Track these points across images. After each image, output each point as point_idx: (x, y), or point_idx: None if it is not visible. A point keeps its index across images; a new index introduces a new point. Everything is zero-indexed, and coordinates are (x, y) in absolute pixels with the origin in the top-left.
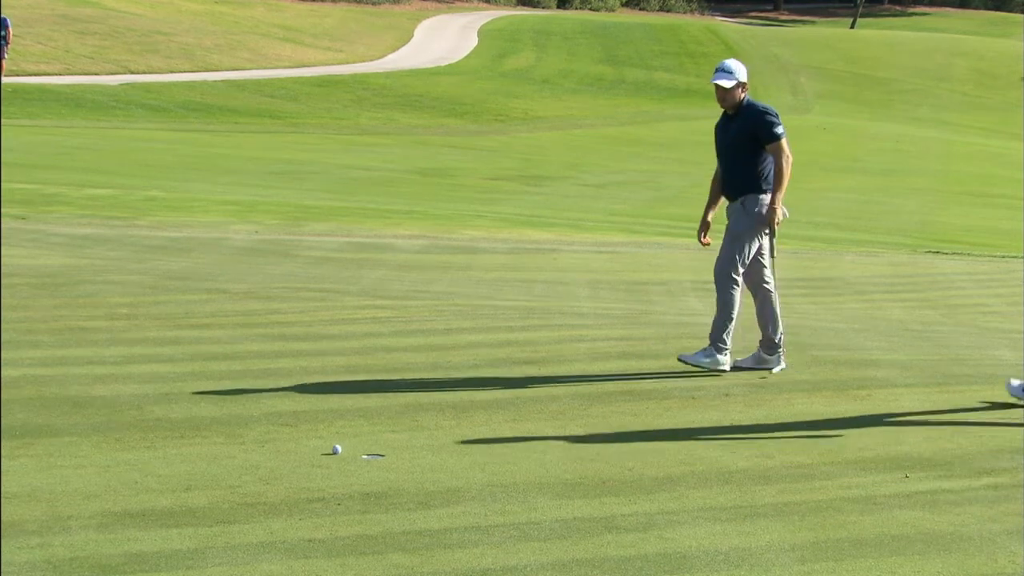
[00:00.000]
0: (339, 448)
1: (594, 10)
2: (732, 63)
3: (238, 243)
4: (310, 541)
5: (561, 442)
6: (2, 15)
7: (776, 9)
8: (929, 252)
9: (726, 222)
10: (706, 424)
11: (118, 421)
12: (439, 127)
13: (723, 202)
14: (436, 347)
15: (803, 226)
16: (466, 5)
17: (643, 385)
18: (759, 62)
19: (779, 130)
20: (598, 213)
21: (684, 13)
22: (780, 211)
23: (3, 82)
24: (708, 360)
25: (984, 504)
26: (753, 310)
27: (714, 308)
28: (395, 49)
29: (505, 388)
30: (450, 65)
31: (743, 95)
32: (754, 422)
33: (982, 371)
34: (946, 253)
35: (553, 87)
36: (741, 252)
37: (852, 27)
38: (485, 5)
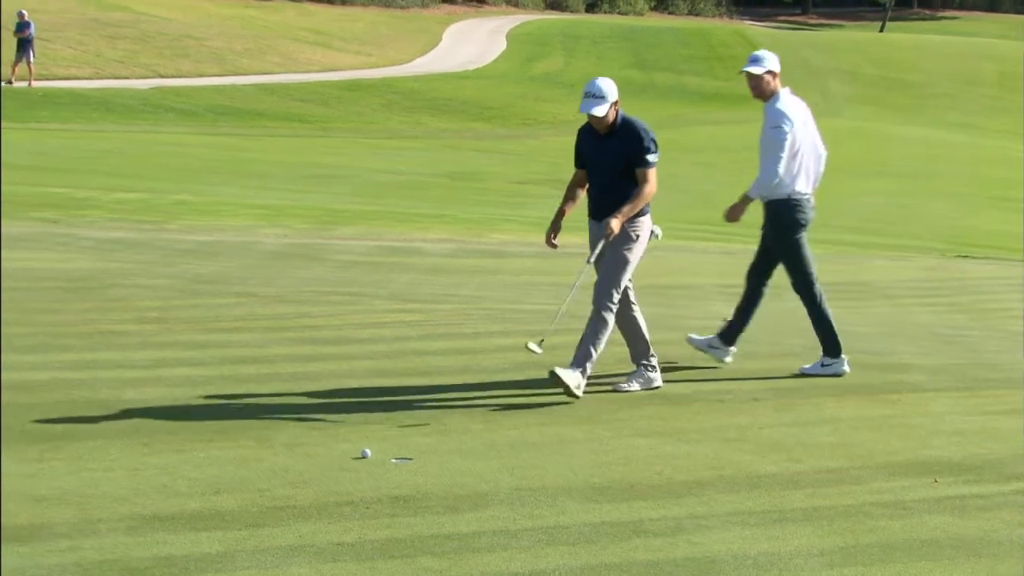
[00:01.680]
0: (368, 452)
1: (623, 14)
2: (603, 83)
3: (267, 247)
4: (339, 545)
5: (589, 446)
6: (27, 19)
7: (805, 13)
8: (959, 256)
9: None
10: (735, 428)
11: (147, 425)
12: (468, 131)
13: (580, 205)
14: (465, 351)
15: (832, 230)
16: (495, 9)
17: (671, 389)
18: (789, 66)
19: (652, 157)
20: None
21: (713, 17)
22: (619, 226)
23: (34, 86)
24: (641, 381)
25: (1014, 509)
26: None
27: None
28: (424, 53)
29: (533, 392)
30: (479, 69)
31: (617, 114)
32: (783, 426)
33: (1012, 376)
34: (976, 257)
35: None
36: (623, 275)
37: (881, 31)
38: (514, 9)
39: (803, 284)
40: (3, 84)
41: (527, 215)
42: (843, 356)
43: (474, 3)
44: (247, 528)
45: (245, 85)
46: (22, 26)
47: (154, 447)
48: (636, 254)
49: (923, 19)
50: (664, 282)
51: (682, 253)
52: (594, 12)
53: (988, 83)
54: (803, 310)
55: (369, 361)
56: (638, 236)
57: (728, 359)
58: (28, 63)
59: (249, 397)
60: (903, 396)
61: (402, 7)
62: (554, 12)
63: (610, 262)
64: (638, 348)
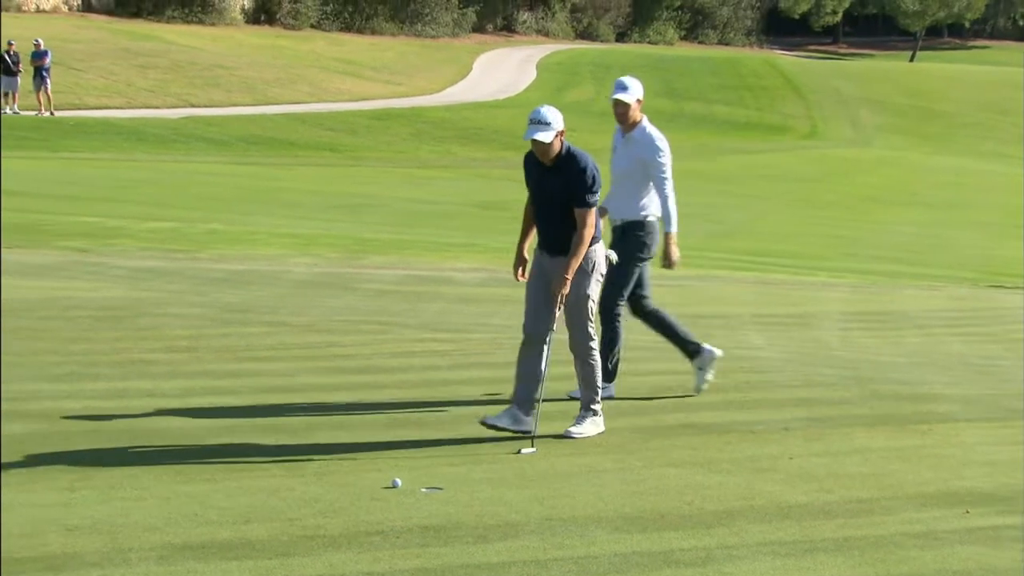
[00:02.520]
0: (398, 481)
1: (653, 43)
2: (548, 111)
3: (298, 276)
4: (369, 574)
5: (620, 475)
6: (43, 48)
7: (835, 42)
8: (990, 286)
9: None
10: (766, 458)
11: (179, 453)
12: (498, 160)
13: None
14: (495, 380)
15: (863, 259)
16: (525, 39)
17: (702, 418)
18: (819, 95)
19: (592, 198)
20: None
21: (743, 46)
22: (569, 286)
23: (65, 115)
24: (593, 428)
25: None
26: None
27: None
28: (454, 82)
29: (564, 422)
30: (509, 98)
31: (562, 145)
32: (814, 456)
33: None
34: (1007, 287)
35: (612, 121)
36: (591, 309)
37: (912, 60)
38: (544, 39)
39: (614, 303)
40: (9, 113)
41: None
42: (612, 384)
43: (504, 33)
44: (277, 557)
45: (276, 114)
46: (38, 55)
47: (185, 476)
48: (595, 287)
49: (954, 48)
50: (698, 311)
51: (715, 283)
52: (624, 41)
53: (1019, 112)
54: (831, 338)
55: (399, 390)
56: (593, 267)
57: (708, 375)
58: (45, 92)
59: (279, 426)
60: (934, 426)
61: (432, 36)
62: (584, 42)
63: (574, 307)
64: (530, 390)
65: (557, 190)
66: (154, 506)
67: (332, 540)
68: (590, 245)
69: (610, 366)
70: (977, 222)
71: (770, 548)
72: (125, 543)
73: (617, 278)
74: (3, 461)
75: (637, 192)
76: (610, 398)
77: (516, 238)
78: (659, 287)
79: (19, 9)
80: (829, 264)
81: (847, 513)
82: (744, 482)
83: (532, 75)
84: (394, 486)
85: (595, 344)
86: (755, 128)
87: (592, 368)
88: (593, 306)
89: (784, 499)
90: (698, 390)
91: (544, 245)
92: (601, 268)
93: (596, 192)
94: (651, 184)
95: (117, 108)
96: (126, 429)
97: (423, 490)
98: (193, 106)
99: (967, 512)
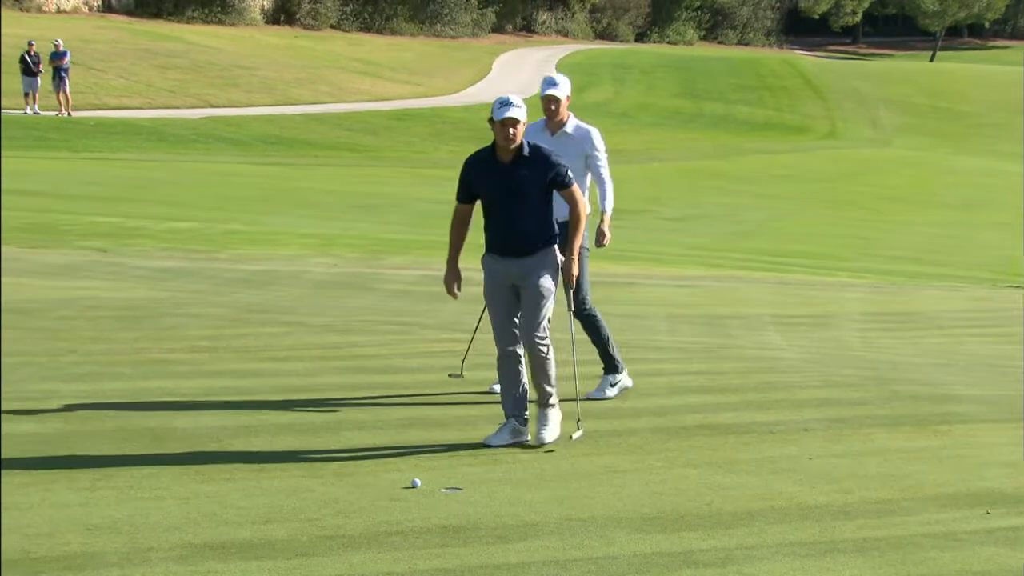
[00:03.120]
0: (418, 481)
1: (672, 44)
2: (519, 99)
3: (317, 276)
4: (388, 574)
5: (639, 476)
6: (63, 48)
7: (855, 42)
8: (1010, 286)
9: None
10: (785, 459)
11: (198, 453)
12: None
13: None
14: None
15: (883, 260)
16: (544, 39)
17: (722, 419)
18: (839, 95)
19: (572, 176)
20: (677, 247)
21: (762, 47)
22: (576, 267)
23: (85, 116)
24: (557, 425)
25: None
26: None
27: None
28: (473, 83)
29: (583, 421)
30: (527, 99)
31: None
32: (833, 457)
33: None
34: None
35: (632, 120)
36: (551, 307)
37: (931, 60)
38: (563, 39)
39: (541, 339)
40: (29, 113)
41: None
42: (625, 372)
43: (524, 33)
44: (297, 557)
45: (295, 115)
46: (57, 55)
47: (204, 476)
48: (554, 286)
49: (974, 48)
50: (718, 312)
51: (737, 283)
52: (644, 42)
53: None
54: (851, 338)
55: (418, 390)
56: (557, 267)
57: (628, 382)
58: (64, 93)
59: (299, 426)
60: (954, 427)
61: (452, 37)
62: (604, 42)
63: (532, 300)
64: (522, 401)
65: (527, 182)
66: (174, 506)
67: (351, 540)
68: (550, 244)
69: (617, 356)
70: (997, 222)
71: (789, 549)
72: (145, 543)
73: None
74: (24, 460)
75: (580, 187)
76: (625, 388)
77: None
78: (679, 288)
79: (39, 9)
80: (848, 264)
81: (867, 514)
82: (763, 483)
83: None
84: (413, 486)
85: (549, 340)
86: (775, 128)
87: (545, 363)
88: (552, 304)
89: (804, 500)
90: (589, 396)
91: (502, 248)
92: (558, 266)
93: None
94: (586, 177)
95: (137, 108)
96: (146, 429)
97: (442, 490)
98: (213, 106)
99: (987, 513)
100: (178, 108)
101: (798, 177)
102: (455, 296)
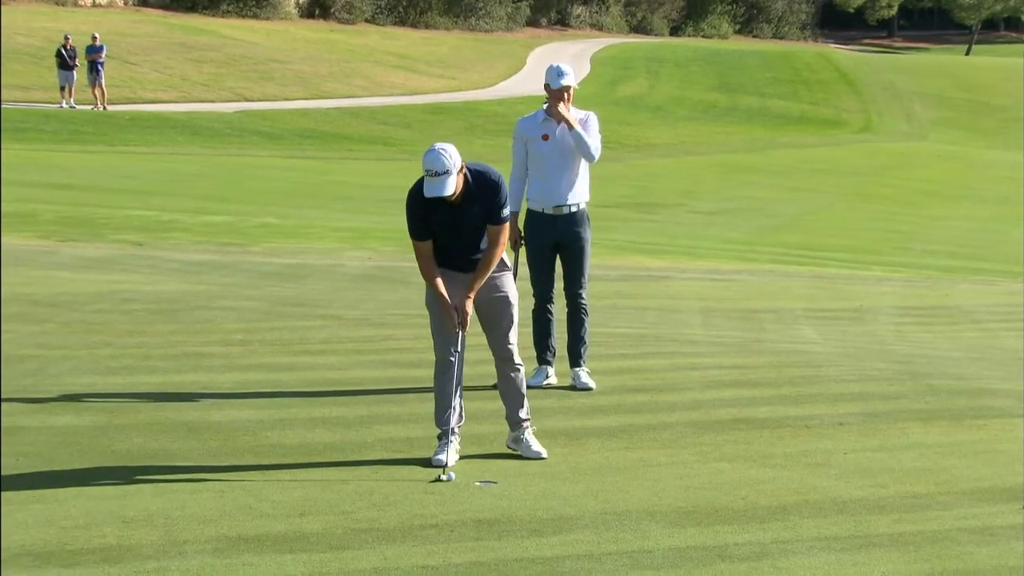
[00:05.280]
0: (453, 475)
1: (707, 37)
2: (443, 155)
3: (352, 270)
4: (423, 568)
5: (674, 470)
6: (99, 43)
7: (890, 36)
8: None
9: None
10: (820, 453)
11: (233, 446)
12: None
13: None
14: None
15: (918, 254)
16: (579, 33)
17: (756, 413)
18: (874, 89)
19: (507, 212)
20: (711, 240)
21: (797, 40)
22: (472, 305)
23: (120, 110)
24: (537, 443)
25: None
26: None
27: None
28: (507, 76)
29: (618, 415)
30: (529, 98)
31: (464, 175)
32: (868, 451)
33: None
34: None
35: (666, 114)
36: (516, 315)
37: (967, 54)
38: (598, 33)
39: (516, 353)
40: (65, 107)
41: (612, 238)
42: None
43: (558, 27)
44: (332, 550)
45: (330, 108)
46: (93, 49)
47: (239, 469)
48: (516, 301)
49: (1009, 42)
50: (752, 306)
51: (769, 277)
52: (678, 35)
53: None
54: (886, 332)
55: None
56: (509, 287)
57: (591, 384)
58: (100, 86)
59: (333, 419)
60: (990, 421)
61: (486, 31)
62: (638, 36)
63: (500, 322)
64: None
65: (476, 214)
66: (209, 499)
67: (386, 533)
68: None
69: (583, 351)
70: None
71: (824, 543)
72: (180, 535)
73: (586, 268)
74: (60, 453)
75: (584, 174)
76: (547, 386)
77: None
78: (713, 282)
79: (75, 3)
80: (883, 258)
81: (902, 508)
82: (798, 477)
83: (586, 69)
84: (448, 479)
85: (519, 357)
86: (809, 122)
87: (521, 380)
88: (517, 321)
89: (838, 494)
90: (578, 387)
91: (456, 268)
92: (513, 283)
93: (507, 203)
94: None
95: (172, 102)
96: (181, 422)
97: (477, 484)
98: (247, 100)
99: (1023, 508)
100: (213, 102)
101: (832, 171)
102: (465, 331)
